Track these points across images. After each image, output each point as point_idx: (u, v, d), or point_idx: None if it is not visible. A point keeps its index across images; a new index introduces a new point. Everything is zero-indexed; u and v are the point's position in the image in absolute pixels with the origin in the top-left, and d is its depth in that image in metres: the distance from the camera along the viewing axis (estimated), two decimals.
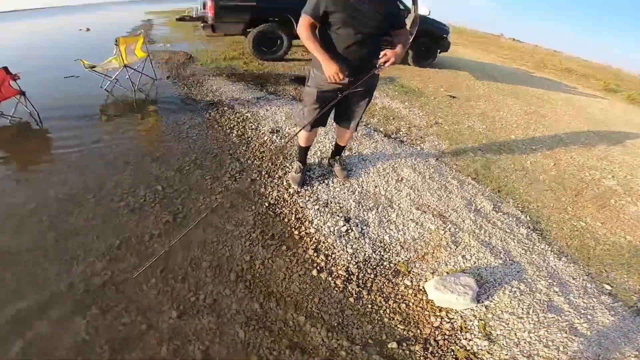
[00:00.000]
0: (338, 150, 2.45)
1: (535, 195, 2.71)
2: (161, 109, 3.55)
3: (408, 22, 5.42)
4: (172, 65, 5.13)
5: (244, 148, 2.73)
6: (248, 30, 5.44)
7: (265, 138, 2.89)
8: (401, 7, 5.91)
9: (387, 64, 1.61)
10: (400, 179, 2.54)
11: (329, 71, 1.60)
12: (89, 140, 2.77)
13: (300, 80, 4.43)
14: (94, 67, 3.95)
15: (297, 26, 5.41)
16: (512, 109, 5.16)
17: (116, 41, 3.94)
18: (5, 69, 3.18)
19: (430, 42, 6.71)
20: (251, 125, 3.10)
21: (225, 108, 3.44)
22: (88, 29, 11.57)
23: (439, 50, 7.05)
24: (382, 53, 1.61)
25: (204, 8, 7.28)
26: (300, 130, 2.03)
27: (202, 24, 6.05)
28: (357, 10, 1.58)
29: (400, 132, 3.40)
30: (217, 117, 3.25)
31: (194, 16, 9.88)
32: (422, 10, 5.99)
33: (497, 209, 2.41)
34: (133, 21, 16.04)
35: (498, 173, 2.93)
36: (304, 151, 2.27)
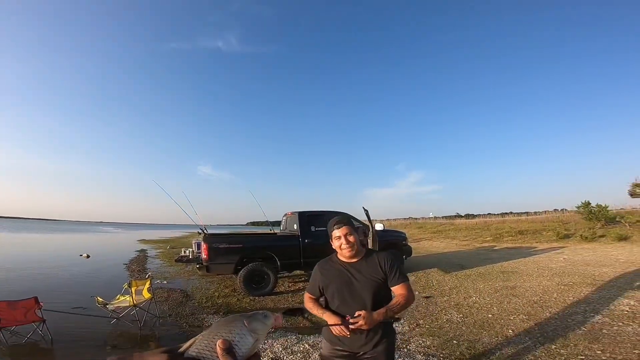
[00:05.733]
0: None
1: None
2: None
3: (370, 241, 5.86)
4: (172, 304, 5.32)
5: None
6: (238, 268, 5.88)
7: None
8: (359, 225, 6.49)
9: (356, 326, 1.41)
10: None
11: (331, 320, 1.50)
12: None
13: (292, 313, 4.69)
14: (106, 304, 4.25)
15: (279, 263, 6.26)
16: (483, 291, 5.53)
17: (129, 284, 4.41)
18: (36, 299, 3.73)
19: (394, 251, 6.92)
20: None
21: None
22: (88, 256, 12.09)
23: (404, 257, 7.64)
24: (356, 313, 1.43)
25: (198, 249, 8.04)
26: None
27: (197, 265, 6.49)
28: (348, 283, 1.57)
29: None
30: None
31: (191, 257, 10.77)
32: (377, 227, 6.86)
33: None
34: (128, 250, 16.08)
35: (482, 349, 3.17)
36: None
